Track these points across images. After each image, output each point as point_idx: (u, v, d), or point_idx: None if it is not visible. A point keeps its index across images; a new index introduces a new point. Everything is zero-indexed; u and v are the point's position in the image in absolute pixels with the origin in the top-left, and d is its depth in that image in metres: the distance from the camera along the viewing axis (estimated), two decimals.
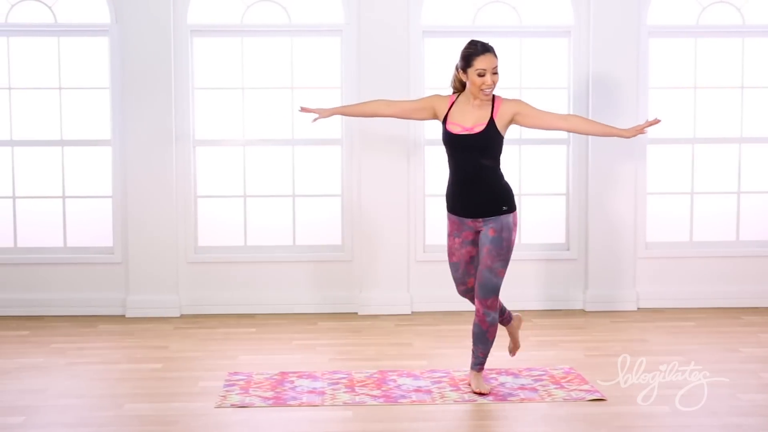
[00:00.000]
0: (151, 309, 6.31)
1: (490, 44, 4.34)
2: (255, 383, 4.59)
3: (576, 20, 6.42)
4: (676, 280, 6.55)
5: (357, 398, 4.35)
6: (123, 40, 6.24)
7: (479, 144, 4.31)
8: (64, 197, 6.47)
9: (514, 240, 4.40)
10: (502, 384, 4.57)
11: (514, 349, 4.81)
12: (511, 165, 6.55)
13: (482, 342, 4.41)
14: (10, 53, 6.39)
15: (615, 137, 4.59)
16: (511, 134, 6.44)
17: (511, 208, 4.38)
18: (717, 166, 6.65)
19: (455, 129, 4.34)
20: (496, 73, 4.29)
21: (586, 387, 4.50)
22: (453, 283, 4.62)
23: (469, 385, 4.48)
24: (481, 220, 4.35)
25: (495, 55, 4.29)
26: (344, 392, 4.45)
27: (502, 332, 4.76)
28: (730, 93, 6.62)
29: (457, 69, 4.38)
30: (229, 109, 6.47)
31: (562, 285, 6.54)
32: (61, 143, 6.44)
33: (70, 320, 6.20)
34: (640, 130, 4.49)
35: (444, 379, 4.66)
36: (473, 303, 4.51)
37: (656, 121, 4.52)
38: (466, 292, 4.55)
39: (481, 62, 4.25)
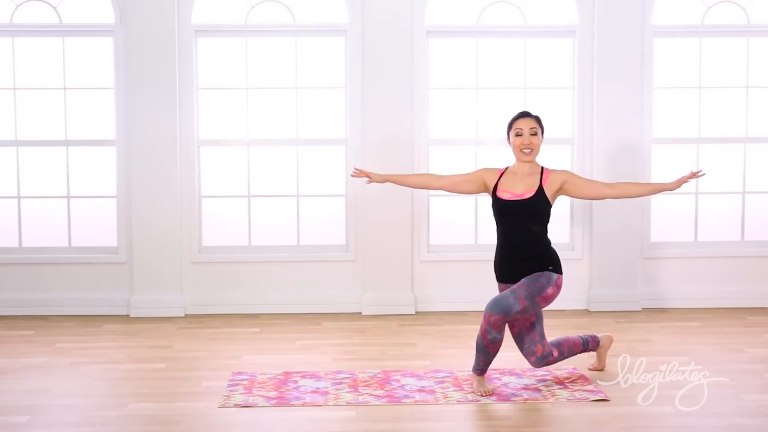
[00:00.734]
0: (155, 309, 6.32)
1: (530, 112, 4.62)
2: (258, 383, 4.60)
3: (581, 20, 6.42)
4: (680, 280, 6.54)
5: (360, 398, 4.35)
6: (127, 41, 6.25)
7: (529, 209, 4.44)
8: (68, 197, 6.48)
9: (550, 293, 4.44)
10: (505, 384, 4.57)
11: (595, 368, 4.81)
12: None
13: (483, 353, 4.41)
14: (15, 53, 6.41)
15: (663, 192, 4.68)
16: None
17: (557, 270, 4.48)
18: (722, 166, 6.64)
19: (505, 195, 4.48)
20: (535, 134, 4.49)
21: (589, 387, 4.49)
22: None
23: (471, 385, 4.47)
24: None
25: (533, 119, 4.53)
26: (347, 392, 4.44)
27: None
28: (735, 93, 6.61)
29: (508, 140, 4.59)
30: (233, 109, 6.48)
31: (566, 285, 6.48)
32: (66, 143, 6.45)
33: (74, 320, 6.21)
34: (684, 181, 4.58)
35: (447, 379, 4.66)
36: (546, 363, 4.54)
37: (700, 174, 4.58)
38: (541, 361, 4.51)
39: (518, 123, 4.53)
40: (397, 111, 6.30)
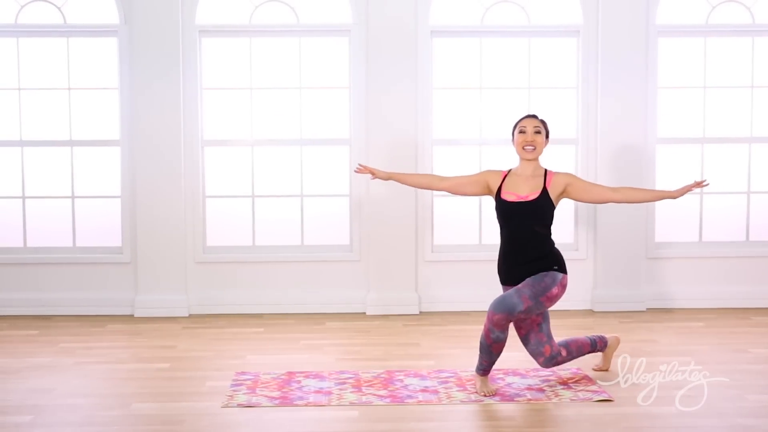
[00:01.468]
0: (159, 309, 6.32)
1: (537, 115, 4.62)
2: (262, 383, 4.60)
3: (585, 20, 6.41)
4: (685, 280, 6.53)
5: (363, 398, 4.35)
6: (132, 41, 6.26)
7: (533, 211, 4.43)
8: (73, 197, 6.50)
9: (554, 293, 4.42)
10: (509, 384, 4.56)
11: (599, 368, 4.80)
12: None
13: (486, 353, 4.41)
14: (20, 54, 6.42)
15: (666, 199, 4.64)
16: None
17: (562, 269, 4.47)
18: (726, 166, 6.63)
19: (510, 197, 4.48)
20: (538, 133, 4.50)
21: (593, 388, 4.48)
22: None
23: (475, 386, 4.46)
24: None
25: (539, 120, 4.54)
26: (351, 392, 4.44)
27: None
28: (740, 92, 6.60)
29: (512, 141, 4.59)
30: (237, 109, 6.49)
31: (571, 285, 6.49)
32: (70, 143, 6.46)
33: (78, 320, 6.22)
34: (687, 190, 4.58)
35: (451, 379, 4.66)
36: (554, 363, 4.52)
37: (705, 184, 4.57)
38: (549, 361, 4.49)
39: (523, 122, 4.55)
40: (401, 111, 6.30)
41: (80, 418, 4.10)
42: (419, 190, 6.35)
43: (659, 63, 6.48)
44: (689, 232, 6.64)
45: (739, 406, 4.22)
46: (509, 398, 4.34)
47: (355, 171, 4.81)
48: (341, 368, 4.91)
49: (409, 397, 4.37)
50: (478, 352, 4.45)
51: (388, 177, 4.74)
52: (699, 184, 4.56)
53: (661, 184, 6.56)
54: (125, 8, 6.29)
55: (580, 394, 4.38)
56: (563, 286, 4.47)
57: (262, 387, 4.53)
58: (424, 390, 4.48)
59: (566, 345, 4.57)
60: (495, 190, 4.55)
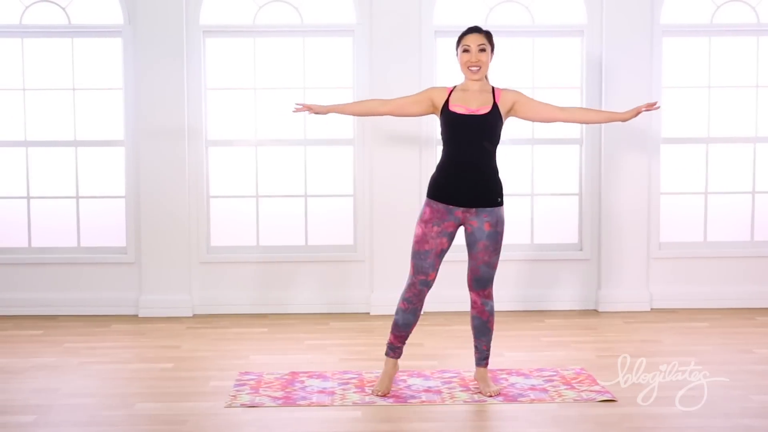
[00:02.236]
0: (163, 309, 6.33)
1: (481, 27, 4.38)
2: (265, 383, 4.60)
3: (589, 19, 6.40)
4: (689, 280, 6.52)
5: (367, 398, 4.35)
6: (136, 41, 6.27)
7: (485, 125, 4.27)
8: (77, 197, 6.50)
9: (503, 230, 4.37)
10: (512, 384, 4.56)
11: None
12: (524, 165, 6.55)
13: (484, 333, 4.41)
14: (25, 54, 6.43)
15: (616, 122, 4.51)
16: (523, 134, 6.49)
17: (502, 201, 4.36)
18: (731, 166, 6.61)
19: (460, 110, 4.30)
20: (483, 50, 4.30)
21: (596, 388, 4.47)
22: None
23: (478, 386, 4.46)
24: (474, 210, 4.28)
25: (483, 35, 4.32)
26: (354, 392, 4.44)
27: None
28: (745, 92, 6.58)
29: (457, 57, 4.40)
30: (241, 109, 6.49)
31: (575, 285, 6.52)
32: (75, 144, 6.47)
33: (83, 320, 6.23)
34: (637, 112, 4.42)
35: (454, 380, 4.65)
36: (420, 301, 4.39)
37: (655, 106, 4.42)
38: (424, 284, 4.35)
39: (466, 40, 4.31)
40: None
41: (84, 417, 4.10)
42: (422, 188, 6.34)
43: (663, 63, 6.46)
44: (694, 232, 6.62)
45: (744, 406, 4.21)
46: (512, 398, 4.34)
47: (293, 111, 4.56)
48: (345, 368, 4.92)
49: (413, 397, 4.37)
50: (475, 342, 4.45)
51: (327, 110, 4.50)
52: (650, 106, 4.41)
53: (666, 184, 6.55)
54: (129, 9, 6.30)
55: (584, 395, 4.38)
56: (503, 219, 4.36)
57: (266, 387, 4.53)
58: (428, 390, 4.48)
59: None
60: (440, 105, 4.35)
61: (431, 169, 6.36)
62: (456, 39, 4.40)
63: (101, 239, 6.51)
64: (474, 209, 4.28)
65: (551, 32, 6.49)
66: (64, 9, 6.38)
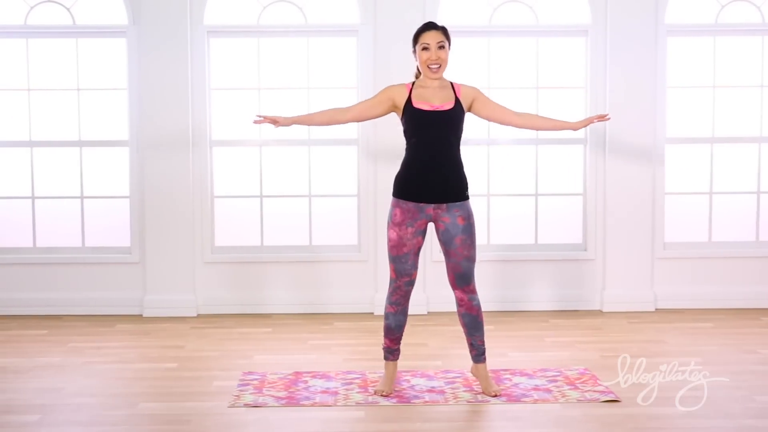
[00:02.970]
0: (168, 309, 6.34)
1: (438, 23, 4.36)
2: (269, 383, 4.60)
3: (593, 19, 6.39)
4: (694, 280, 6.50)
5: (370, 398, 4.34)
6: (140, 42, 6.28)
7: (450, 120, 4.26)
8: (82, 197, 6.52)
9: (475, 222, 4.37)
10: (516, 385, 4.55)
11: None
12: (528, 165, 6.55)
13: (477, 329, 4.40)
14: (29, 55, 6.44)
15: (566, 130, 4.49)
16: (527, 134, 6.49)
17: (468, 194, 4.36)
18: (736, 166, 6.60)
19: (423, 107, 4.27)
20: (442, 48, 4.28)
21: (600, 388, 4.47)
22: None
23: (480, 386, 4.46)
24: (444, 206, 4.26)
25: (441, 32, 4.30)
26: (357, 392, 4.44)
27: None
28: (750, 92, 6.57)
29: (414, 54, 4.37)
30: (245, 109, 6.49)
31: (580, 285, 6.51)
32: (79, 144, 6.49)
33: (88, 320, 6.24)
34: (589, 122, 4.43)
35: (458, 380, 4.65)
36: (407, 301, 4.41)
37: (605, 117, 4.44)
38: (409, 285, 4.36)
39: (425, 37, 4.27)
40: None
41: (87, 417, 4.11)
42: None
43: (668, 62, 6.45)
44: (698, 232, 6.61)
45: (748, 407, 4.20)
46: (516, 399, 4.34)
47: (254, 122, 4.51)
48: (348, 368, 4.92)
49: (416, 397, 4.37)
50: (468, 339, 4.43)
51: (291, 122, 4.47)
52: (602, 117, 4.41)
53: (671, 184, 6.54)
54: (134, 9, 6.31)
55: (587, 395, 4.37)
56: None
57: (269, 387, 4.53)
58: (431, 390, 4.48)
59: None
60: (402, 102, 4.32)
61: None
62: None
63: (106, 239, 6.52)
64: (445, 205, 4.27)
65: (555, 32, 6.48)
66: (68, 9, 6.39)
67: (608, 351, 5.25)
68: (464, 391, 4.46)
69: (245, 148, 6.52)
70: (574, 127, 4.42)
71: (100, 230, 6.53)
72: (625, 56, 6.33)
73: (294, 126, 4.57)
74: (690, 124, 6.57)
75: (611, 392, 4.39)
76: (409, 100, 4.30)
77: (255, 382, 4.62)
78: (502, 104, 4.47)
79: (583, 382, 4.57)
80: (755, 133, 6.58)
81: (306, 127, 6.46)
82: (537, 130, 4.58)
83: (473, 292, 4.37)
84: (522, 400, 4.32)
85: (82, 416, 4.13)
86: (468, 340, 4.45)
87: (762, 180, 6.60)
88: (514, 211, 6.60)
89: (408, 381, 4.63)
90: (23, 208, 6.52)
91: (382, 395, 4.36)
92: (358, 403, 4.28)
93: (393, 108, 4.39)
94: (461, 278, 4.33)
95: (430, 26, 4.31)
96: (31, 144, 6.49)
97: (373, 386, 4.52)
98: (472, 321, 4.39)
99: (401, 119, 4.35)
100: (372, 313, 6.37)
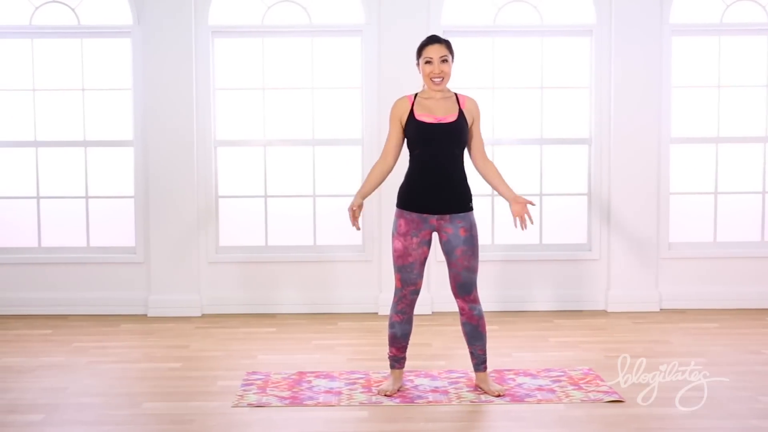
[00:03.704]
0: (172, 308, 6.35)
1: (442, 37, 4.38)
2: (272, 383, 4.60)
3: (598, 19, 6.38)
4: (699, 280, 6.49)
5: (373, 398, 4.35)
6: (145, 42, 6.28)
7: (453, 132, 4.28)
8: (87, 197, 6.53)
9: (478, 233, 4.38)
10: (519, 385, 4.55)
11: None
12: (532, 165, 6.54)
13: (477, 338, 4.41)
14: (34, 55, 6.46)
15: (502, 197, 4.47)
16: (531, 134, 6.48)
17: (473, 205, 4.38)
18: (741, 166, 6.58)
19: (427, 119, 4.29)
20: (445, 61, 4.29)
21: (604, 388, 4.46)
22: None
23: (480, 388, 4.46)
24: (448, 217, 4.29)
25: (444, 46, 4.31)
26: (361, 392, 4.44)
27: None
28: (755, 92, 6.55)
29: (417, 67, 4.39)
30: (249, 109, 6.50)
31: (584, 285, 6.50)
32: (84, 144, 6.50)
33: (92, 319, 6.25)
34: (522, 202, 4.36)
35: (461, 380, 4.65)
36: (412, 309, 4.44)
37: (525, 225, 4.37)
38: (414, 293, 4.39)
39: (428, 51, 4.29)
40: None
41: (91, 417, 4.12)
42: None
43: (673, 62, 6.44)
44: (703, 232, 6.59)
45: (752, 407, 4.19)
46: (519, 399, 4.33)
47: (356, 229, 4.53)
48: (352, 368, 4.92)
49: (419, 397, 4.37)
50: (469, 348, 4.45)
51: (360, 200, 4.47)
52: (523, 220, 4.34)
53: (675, 184, 6.53)
54: (138, 9, 6.32)
55: (591, 395, 4.36)
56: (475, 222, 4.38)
57: (273, 387, 4.53)
58: (435, 390, 4.47)
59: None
60: (405, 116, 4.33)
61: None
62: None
63: (110, 239, 6.53)
64: (448, 216, 4.29)
65: (560, 32, 6.48)
66: (73, 10, 6.40)
67: (612, 351, 5.24)
68: (468, 391, 4.46)
69: (250, 148, 6.52)
70: (509, 198, 4.37)
71: (104, 230, 6.54)
72: (629, 56, 6.32)
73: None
74: (695, 124, 6.56)
75: (615, 392, 4.38)
76: (411, 113, 4.32)
77: (259, 382, 4.63)
78: (483, 143, 4.44)
79: (587, 383, 4.57)
80: (761, 132, 6.56)
81: (310, 125, 6.48)
82: (486, 179, 4.46)
83: (474, 301, 4.38)
84: (525, 400, 4.32)
85: (86, 416, 4.13)
86: (469, 348, 4.47)
87: (767, 180, 6.58)
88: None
89: (412, 381, 4.63)
90: (28, 208, 6.54)
91: (385, 395, 4.36)
92: (361, 403, 4.28)
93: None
94: (462, 288, 4.35)
95: (433, 40, 4.33)
96: (36, 144, 6.50)
97: (377, 386, 4.52)
98: (472, 330, 4.40)
99: (404, 131, 4.37)
100: (376, 313, 6.37)
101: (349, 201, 6.47)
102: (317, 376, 4.73)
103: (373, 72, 6.34)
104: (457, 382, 4.61)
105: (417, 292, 4.42)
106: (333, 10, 6.43)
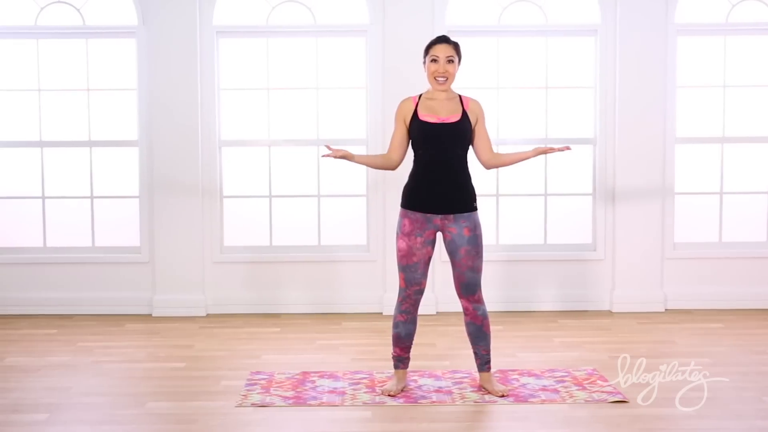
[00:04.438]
0: (177, 308, 6.36)
1: (449, 38, 4.39)
2: (276, 383, 4.61)
3: (602, 19, 6.37)
4: (704, 280, 6.47)
5: (377, 398, 4.34)
6: (150, 42, 6.29)
7: (456, 132, 4.29)
8: (92, 197, 6.54)
9: (482, 233, 4.38)
10: (523, 385, 4.54)
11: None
12: (537, 165, 6.53)
13: (481, 339, 4.41)
14: (40, 55, 6.47)
15: (524, 160, 4.50)
16: (536, 134, 6.47)
17: (477, 205, 4.38)
18: (746, 166, 6.57)
19: (430, 119, 4.31)
20: (450, 62, 4.31)
21: (608, 389, 4.45)
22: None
23: (483, 388, 4.45)
24: (452, 216, 4.30)
25: (452, 47, 4.33)
26: (365, 392, 4.44)
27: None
28: (761, 91, 6.54)
29: (424, 65, 4.40)
30: (254, 109, 6.50)
31: (589, 286, 6.49)
32: (89, 144, 6.51)
33: (97, 319, 6.26)
34: (543, 151, 4.38)
35: (465, 380, 4.64)
36: (416, 309, 4.45)
37: (566, 148, 4.38)
38: (419, 293, 4.41)
39: (435, 50, 4.32)
40: None
41: (95, 416, 4.13)
42: None
43: (678, 62, 6.42)
44: (709, 232, 6.58)
45: (758, 408, 4.18)
46: (523, 399, 4.33)
47: (323, 156, 4.49)
48: (356, 368, 4.92)
49: (423, 397, 4.37)
50: (473, 348, 4.45)
51: (355, 159, 4.46)
52: (561, 149, 4.35)
53: (681, 184, 6.51)
54: (143, 9, 6.32)
55: (595, 395, 4.36)
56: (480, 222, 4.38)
57: (276, 387, 4.53)
58: (438, 390, 4.47)
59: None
60: (409, 116, 4.34)
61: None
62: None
63: (115, 239, 6.54)
64: (452, 215, 4.30)
65: (565, 32, 6.47)
66: (78, 10, 6.41)
67: (617, 351, 5.22)
68: (471, 391, 4.46)
69: (254, 148, 6.52)
70: (530, 155, 4.41)
71: (109, 230, 6.55)
72: (634, 56, 6.31)
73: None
74: (700, 124, 6.54)
75: (619, 393, 4.37)
76: (415, 113, 4.34)
77: (263, 381, 4.63)
78: (490, 141, 4.45)
79: (591, 383, 4.56)
80: (766, 132, 6.54)
81: (314, 125, 6.48)
82: (502, 166, 4.51)
83: (479, 301, 4.38)
84: (529, 400, 4.31)
85: (90, 415, 4.14)
86: (473, 349, 4.47)
87: None
88: (523, 211, 6.58)
89: (415, 381, 4.62)
90: (33, 208, 6.55)
91: (389, 395, 4.36)
92: (365, 403, 4.28)
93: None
94: (466, 288, 4.35)
95: (441, 40, 4.36)
96: (42, 144, 6.52)
97: (381, 386, 4.52)
98: (476, 330, 4.40)
99: (408, 131, 4.38)
100: (381, 313, 6.37)
101: (354, 201, 6.52)
102: (321, 376, 4.73)
103: (378, 72, 6.34)
104: (461, 383, 4.60)
105: (421, 292, 4.42)
106: (337, 10, 6.43)
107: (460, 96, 4.41)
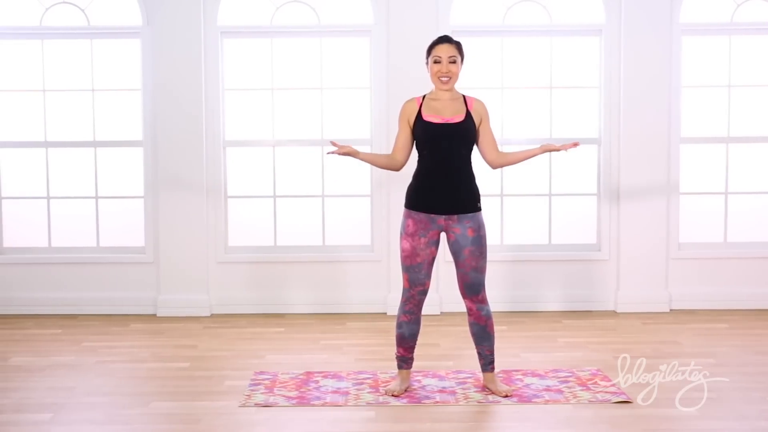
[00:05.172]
0: (181, 308, 6.36)
1: (452, 37, 4.39)
2: (280, 383, 4.61)
3: (607, 19, 6.36)
4: (709, 281, 6.46)
5: (381, 398, 4.34)
6: (154, 42, 6.30)
7: (460, 132, 4.30)
8: (96, 198, 6.55)
9: (486, 234, 4.37)
10: (527, 385, 4.54)
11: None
12: (541, 165, 6.52)
13: (485, 339, 4.41)
14: (44, 56, 6.48)
15: (532, 157, 4.47)
16: (540, 134, 6.46)
17: (481, 206, 4.38)
18: (752, 166, 6.55)
19: (434, 120, 4.31)
20: (453, 62, 4.31)
21: (612, 389, 4.45)
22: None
23: (487, 388, 4.45)
24: (455, 217, 4.30)
25: (454, 46, 4.33)
26: (368, 392, 4.44)
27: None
28: (765, 91, 6.52)
29: (426, 66, 4.40)
30: (258, 109, 6.51)
31: (593, 286, 6.48)
32: (94, 144, 6.52)
33: (102, 319, 6.27)
34: (550, 147, 4.37)
35: (469, 380, 4.64)
36: (420, 309, 4.45)
37: (574, 144, 4.39)
38: (422, 294, 4.41)
39: (438, 50, 4.33)
40: None
41: (98, 416, 4.13)
42: None
43: (683, 61, 6.41)
44: (714, 232, 6.56)
45: (762, 408, 4.17)
46: (527, 399, 4.32)
47: (328, 153, 4.45)
48: (360, 368, 4.92)
49: (427, 397, 4.37)
50: (477, 348, 4.46)
51: (359, 156, 4.42)
52: (570, 146, 4.35)
53: (686, 184, 6.50)
54: (148, 10, 6.33)
55: (599, 396, 4.35)
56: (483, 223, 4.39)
57: (280, 387, 4.54)
58: (442, 390, 4.47)
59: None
60: (413, 116, 4.33)
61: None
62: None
63: (120, 239, 6.55)
64: (456, 216, 4.30)
65: (569, 32, 6.46)
66: (83, 10, 6.42)
67: (621, 352, 5.19)
68: (475, 391, 4.45)
69: (259, 148, 6.53)
70: (537, 152, 4.40)
71: (114, 230, 6.57)
72: (639, 56, 6.30)
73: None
74: (705, 124, 6.53)
75: (623, 393, 4.37)
76: (419, 114, 4.34)
77: (266, 381, 4.63)
78: (495, 141, 4.45)
79: (595, 383, 4.55)
80: None
81: (319, 125, 6.48)
82: (509, 164, 4.50)
83: (483, 302, 4.38)
84: (533, 400, 4.31)
85: (95, 415, 4.15)
86: (476, 349, 4.47)
87: None
88: (528, 211, 6.58)
89: (419, 381, 4.62)
90: (39, 208, 6.56)
91: (393, 395, 4.36)
92: (368, 404, 4.28)
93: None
94: (469, 288, 4.35)
95: (443, 40, 4.36)
96: (47, 144, 6.53)
97: (384, 386, 4.52)
98: (480, 331, 4.40)
99: (412, 132, 4.38)
100: (385, 314, 6.37)
101: (358, 201, 6.52)
102: (325, 376, 4.73)
103: (382, 72, 6.34)
104: (464, 383, 4.60)
105: (425, 293, 4.42)
106: (342, 10, 6.43)
107: (464, 96, 4.41)
